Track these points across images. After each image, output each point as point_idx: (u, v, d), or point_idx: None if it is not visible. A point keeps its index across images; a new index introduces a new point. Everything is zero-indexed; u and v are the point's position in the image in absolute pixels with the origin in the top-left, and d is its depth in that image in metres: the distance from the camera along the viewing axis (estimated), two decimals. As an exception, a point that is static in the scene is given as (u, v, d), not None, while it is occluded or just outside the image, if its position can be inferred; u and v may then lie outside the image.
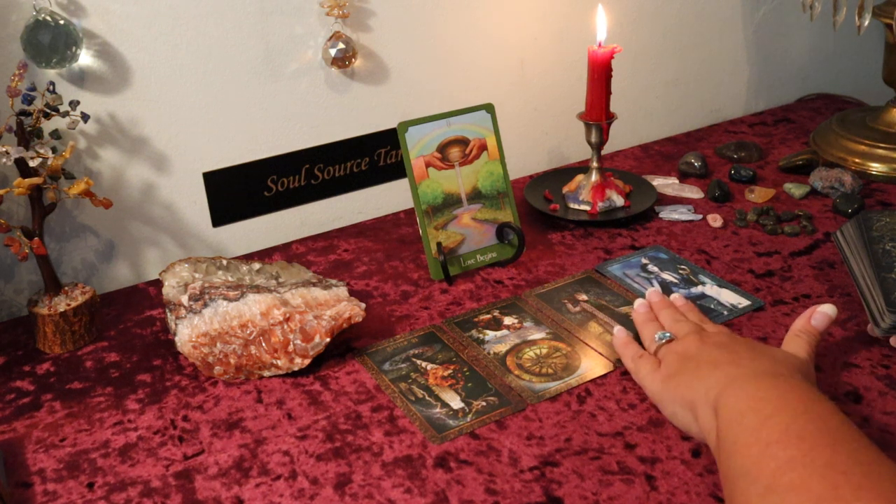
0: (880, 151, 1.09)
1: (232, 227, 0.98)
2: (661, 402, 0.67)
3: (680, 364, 0.67)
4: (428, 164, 0.90)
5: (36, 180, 0.77)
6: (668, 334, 0.72)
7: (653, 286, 0.86)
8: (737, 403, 0.58)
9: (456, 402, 0.71)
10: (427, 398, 0.72)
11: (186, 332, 0.76)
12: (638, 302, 0.79)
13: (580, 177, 1.03)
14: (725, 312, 0.81)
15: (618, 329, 0.76)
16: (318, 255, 0.97)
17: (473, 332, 0.81)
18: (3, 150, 0.75)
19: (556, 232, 0.99)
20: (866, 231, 0.83)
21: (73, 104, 0.80)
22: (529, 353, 0.77)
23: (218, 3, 0.89)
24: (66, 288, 0.83)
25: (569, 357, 0.76)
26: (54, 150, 0.79)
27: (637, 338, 0.75)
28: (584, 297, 0.85)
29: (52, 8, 0.80)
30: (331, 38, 0.94)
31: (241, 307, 0.76)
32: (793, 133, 1.25)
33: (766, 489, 0.50)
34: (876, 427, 0.66)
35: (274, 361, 0.75)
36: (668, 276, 0.88)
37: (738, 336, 0.70)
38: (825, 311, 0.70)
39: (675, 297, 0.80)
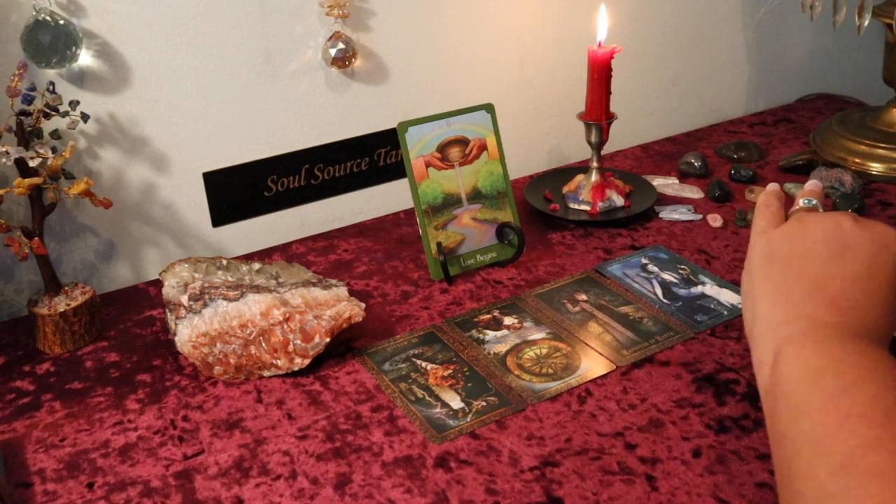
0: (880, 151, 1.09)
1: (232, 227, 0.98)
2: (744, 275, 0.58)
3: (785, 248, 0.56)
4: (428, 164, 0.90)
5: (36, 180, 0.77)
6: (815, 201, 0.61)
7: (653, 286, 0.86)
8: (814, 359, 0.48)
9: (456, 403, 0.71)
10: (427, 398, 0.72)
11: (186, 332, 0.76)
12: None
13: (580, 177, 1.03)
14: (725, 312, 0.81)
15: (772, 184, 0.66)
16: (318, 255, 0.97)
17: (473, 332, 0.81)
18: (3, 150, 0.75)
19: (556, 232, 0.99)
20: None
21: (73, 104, 0.80)
22: (529, 353, 0.77)
23: (218, 3, 0.89)
24: (66, 288, 0.83)
25: (569, 357, 0.76)
26: (54, 150, 0.79)
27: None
28: (583, 297, 0.85)
29: (52, 8, 0.80)
30: (331, 38, 0.94)
31: (241, 307, 0.76)
32: (793, 133, 1.25)
33: (840, 467, 0.42)
34: (876, 427, 0.66)
35: (274, 361, 0.75)
36: (668, 276, 0.88)
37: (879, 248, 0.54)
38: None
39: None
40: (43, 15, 0.79)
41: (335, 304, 0.79)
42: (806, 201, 0.62)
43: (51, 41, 0.79)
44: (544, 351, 0.77)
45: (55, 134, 0.81)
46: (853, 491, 0.41)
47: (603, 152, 1.01)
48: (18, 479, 0.66)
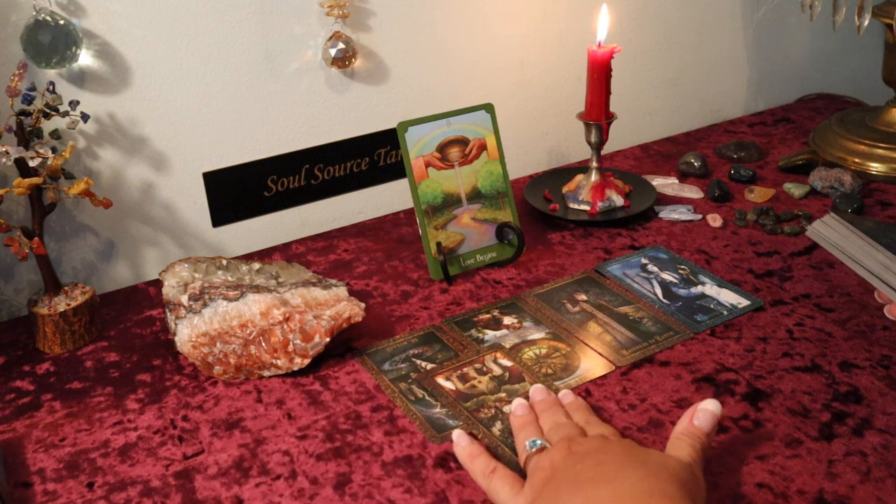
0: (880, 151, 1.09)
1: (232, 227, 0.98)
2: None
3: (543, 484, 0.55)
4: (428, 164, 0.90)
5: (36, 180, 0.77)
6: (539, 441, 0.60)
7: (652, 286, 0.86)
8: None
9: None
10: (427, 398, 0.72)
11: (186, 332, 0.76)
12: (517, 402, 0.67)
13: (580, 177, 1.03)
14: (725, 312, 0.81)
15: (457, 434, 0.64)
16: (318, 255, 0.97)
17: (473, 331, 0.81)
18: (3, 150, 0.75)
19: (556, 232, 0.99)
20: (857, 226, 0.83)
21: (73, 104, 0.80)
22: (529, 353, 0.77)
23: (218, 3, 0.89)
24: (66, 288, 0.83)
25: (568, 357, 0.76)
26: (54, 150, 0.79)
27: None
28: (583, 297, 0.85)
29: (52, 8, 0.80)
30: (331, 38, 0.94)
31: (241, 307, 0.76)
32: (792, 133, 1.25)
33: None
34: (876, 427, 0.66)
35: (274, 361, 0.75)
36: (667, 276, 0.88)
37: (618, 440, 0.60)
38: (708, 409, 0.61)
39: (564, 393, 0.69)
40: (43, 15, 0.79)
41: (335, 304, 0.79)
42: (529, 445, 0.60)
43: (51, 41, 0.79)
44: (544, 351, 0.77)
45: (55, 134, 0.81)
46: None
47: (603, 152, 1.01)
48: (18, 479, 0.66)
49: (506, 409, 0.69)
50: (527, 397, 0.69)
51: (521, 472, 0.60)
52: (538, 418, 0.65)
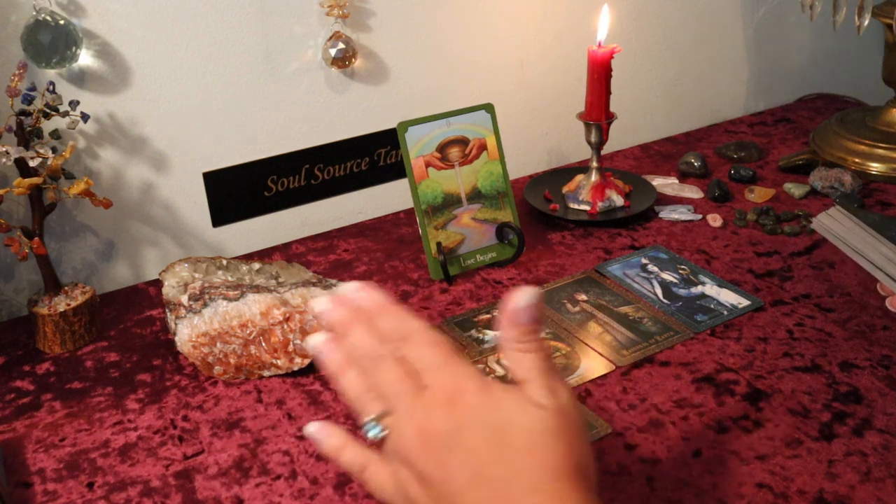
0: (880, 151, 1.09)
1: (232, 227, 0.98)
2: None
3: (414, 486, 0.46)
4: (428, 164, 0.90)
5: (36, 180, 0.77)
6: (377, 428, 0.48)
7: (652, 286, 0.86)
8: None
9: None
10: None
11: (186, 332, 0.76)
12: (314, 340, 0.52)
13: (580, 177, 1.03)
14: (725, 312, 0.81)
15: (313, 429, 0.52)
16: (318, 255, 0.97)
17: (473, 331, 0.81)
18: (3, 150, 0.75)
19: (556, 232, 0.99)
20: (862, 219, 0.83)
21: (73, 104, 0.80)
22: (529, 353, 0.77)
23: (218, 3, 0.89)
24: (66, 288, 0.83)
25: (568, 357, 0.76)
26: (54, 150, 0.79)
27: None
28: (583, 297, 0.85)
29: (52, 8, 0.80)
30: (331, 38, 0.94)
31: (241, 307, 0.76)
32: (793, 133, 1.25)
33: None
34: (876, 427, 0.66)
35: (274, 361, 0.75)
36: (667, 276, 0.88)
37: (460, 396, 0.46)
38: (528, 303, 0.47)
39: (353, 289, 0.52)
40: (43, 15, 0.79)
41: (335, 304, 0.79)
42: (370, 430, 0.48)
43: (51, 41, 0.79)
44: (544, 351, 0.77)
45: (55, 134, 0.81)
46: None
47: (603, 152, 1.01)
48: (18, 479, 0.66)
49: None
50: None
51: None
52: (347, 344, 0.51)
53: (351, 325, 0.51)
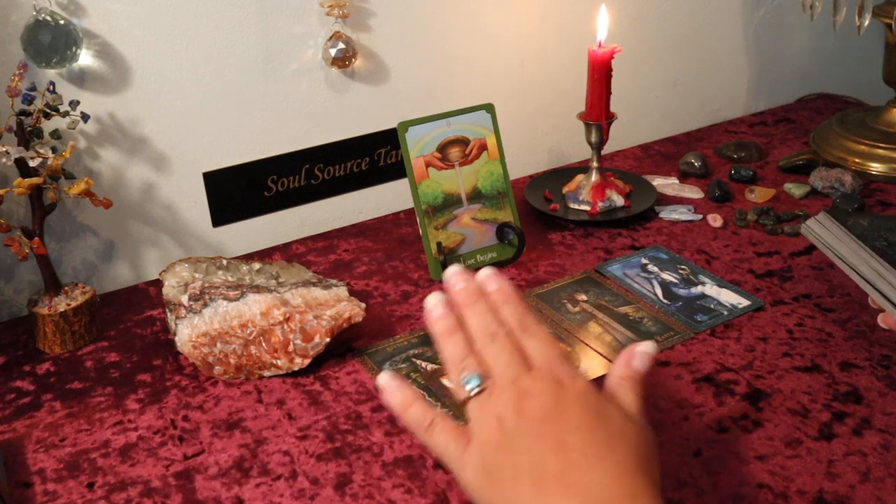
0: (880, 151, 1.09)
1: (232, 227, 0.98)
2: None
3: (494, 449, 0.48)
4: (428, 164, 0.90)
5: (36, 180, 0.77)
6: (478, 382, 0.50)
7: (653, 286, 0.86)
8: None
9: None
10: (427, 398, 0.72)
11: (186, 332, 0.76)
12: (432, 299, 0.55)
13: (580, 177, 1.03)
14: (725, 312, 0.81)
15: (384, 379, 0.54)
16: (318, 255, 0.97)
17: (473, 332, 0.81)
18: (3, 150, 0.75)
19: (556, 232, 0.99)
20: (850, 228, 0.82)
21: (73, 104, 0.80)
22: (529, 353, 0.77)
23: (218, 3, 0.89)
24: (66, 288, 0.83)
25: (569, 357, 0.76)
26: (54, 150, 0.79)
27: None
28: (583, 297, 0.85)
29: (52, 8, 0.80)
30: (331, 38, 0.94)
31: (241, 307, 0.76)
32: (793, 133, 1.25)
33: None
34: (876, 427, 0.66)
35: (274, 361, 0.75)
36: (668, 276, 0.88)
37: (570, 382, 0.50)
38: (647, 352, 0.55)
39: (485, 276, 0.56)
40: (43, 15, 0.79)
41: (335, 304, 0.79)
42: (468, 382, 0.50)
43: (51, 41, 0.79)
44: (544, 351, 0.77)
45: (55, 134, 0.81)
46: None
47: (603, 152, 1.01)
48: (18, 479, 0.66)
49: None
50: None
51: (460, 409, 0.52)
52: (463, 319, 0.54)
53: (475, 300, 0.54)
